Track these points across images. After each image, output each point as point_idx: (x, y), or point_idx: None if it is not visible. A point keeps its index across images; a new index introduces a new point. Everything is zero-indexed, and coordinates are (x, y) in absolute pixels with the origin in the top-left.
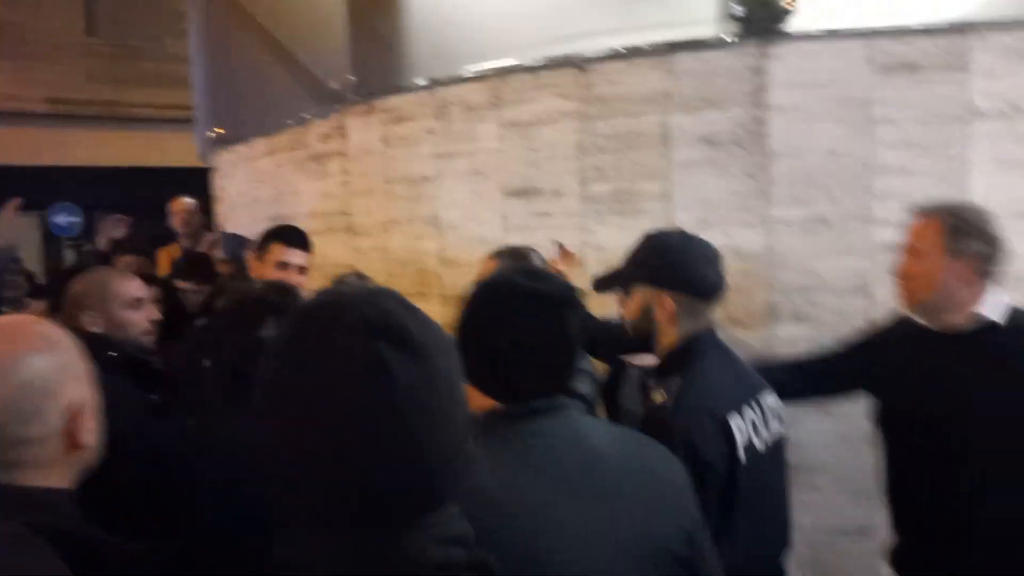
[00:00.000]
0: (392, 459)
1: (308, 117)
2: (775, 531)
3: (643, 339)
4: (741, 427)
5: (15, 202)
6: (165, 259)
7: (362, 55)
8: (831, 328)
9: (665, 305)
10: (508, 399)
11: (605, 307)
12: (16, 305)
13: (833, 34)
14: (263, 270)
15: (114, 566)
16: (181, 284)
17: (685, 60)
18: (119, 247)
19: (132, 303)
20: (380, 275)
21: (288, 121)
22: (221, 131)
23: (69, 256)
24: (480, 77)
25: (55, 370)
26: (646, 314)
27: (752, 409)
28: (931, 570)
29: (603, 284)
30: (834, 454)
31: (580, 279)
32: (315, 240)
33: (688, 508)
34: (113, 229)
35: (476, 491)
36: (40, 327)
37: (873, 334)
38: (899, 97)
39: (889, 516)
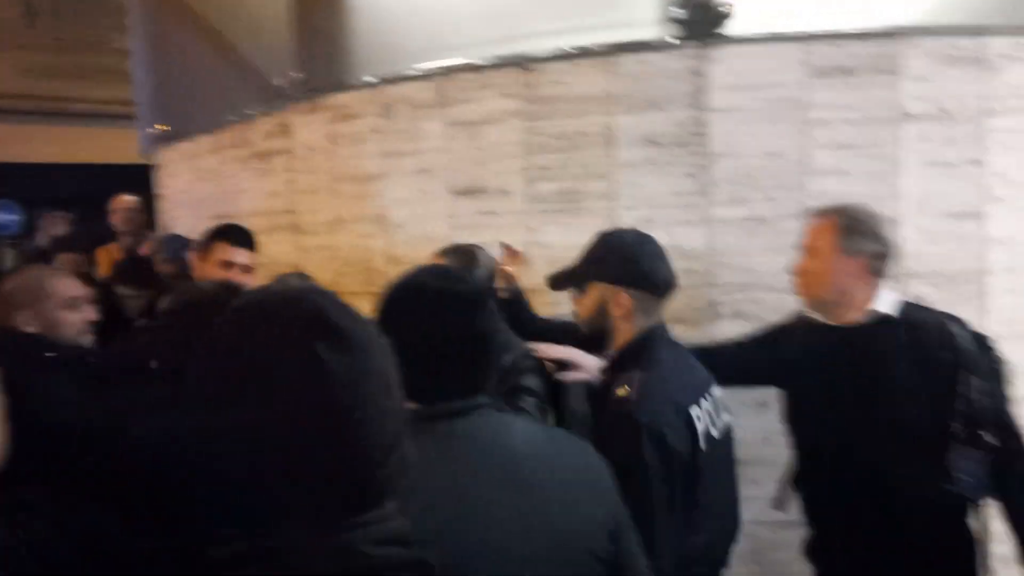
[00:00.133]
0: (328, 457)
1: (253, 114)
2: (731, 517)
3: (597, 336)
4: (700, 417)
5: None
6: (105, 258)
7: (307, 51)
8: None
9: (622, 302)
10: (423, 400)
11: (553, 307)
12: None
13: (770, 38)
14: (206, 270)
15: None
16: (121, 289)
17: (627, 62)
18: (59, 245)
19: (68, 303)
20: (327, 274)
21: (232, 118)
22: (164, 127)
23: (8, 255)
24: (426, 76)
25: None
26: (601, 311)
27: (706, 400)
28: (838, 560)
29: (558, 282)
30: (773, 448)
31: (526, 278)
32: (261, 239)
33: (611, 507)
34: (53, 226)
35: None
36: None
37: (773, 331)
38: (833, 100)
39: (801, 509)
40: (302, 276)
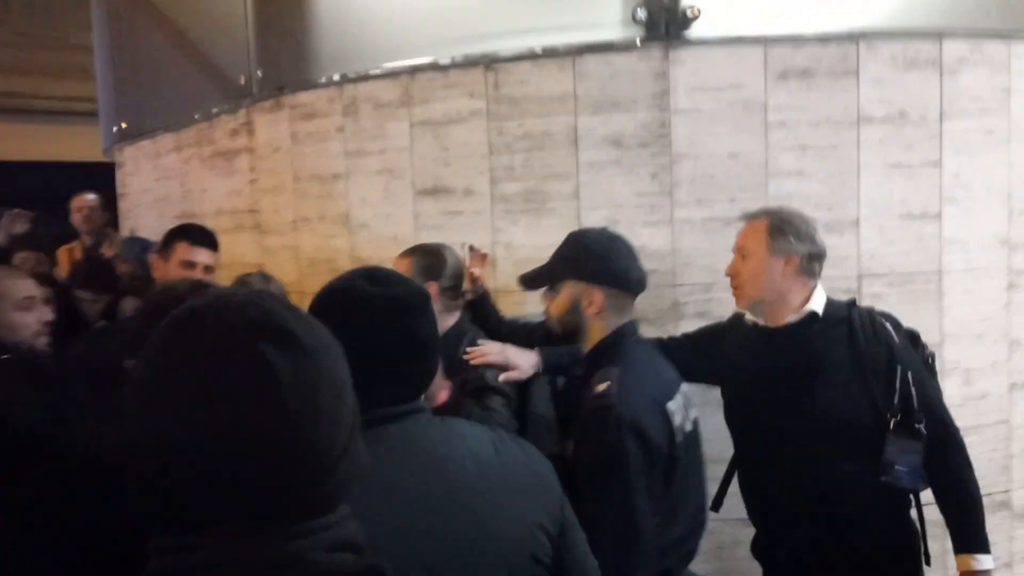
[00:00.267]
0: (277, 461)
1: (216, 112)
2: (700, 509)
3: (569, 333)
4: (675, 411)
5: None
6: (65, 257)
7: (270, 49)
8: None
9: (595, 299)
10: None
11: (520, 307)
12: None
13: (732, 41)
14: (168, 270)
15: None
16: (79, 293)
17: (592, 62)
18: (19, 243)
19: (22, 304)
20: (291, 274)
21: (195, 116)
22: (125, 125)
23: None
24: (390, 74)
25: None
26: (574, 309)
27: (678, 395)
28: (781, 558)
29: (531, 281)
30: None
31: (492, 279)
32: (223, 239)
33: (552, 509)
34: (13, 224)
35: None
36: None
37: (712, 331)
38: (794, 102)
39: (745, 507)
40: (265, 277)
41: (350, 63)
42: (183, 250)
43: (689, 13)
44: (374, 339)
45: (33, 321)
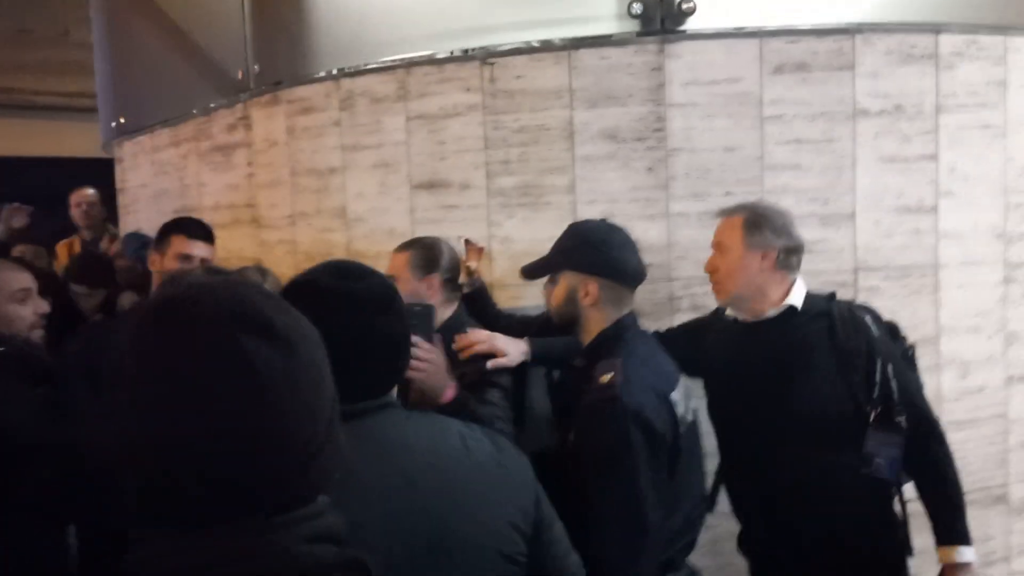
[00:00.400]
0: (256, 453)
1: (213, 107)
2: (701, 500)
3: (567, 324)
4: (677, 401)
5: None
6: (65, 252)
7: (266, 43)
8: None
9: (590, 290)
10: None
11: (516, 300)
12: None
13: (728, 34)
14: (164, 264)
15: None
16: (74, 287)
17: (587, 56)
18: (18, 237)
19: (16, 296)
20: (287, 268)
21: (193, 111)
22: (123, 120)
23: None
24: (386, 68)
25: None
26: (571, 300)
27: (680, 386)
28: (765, 552)
29: (531, 272)
30: None
31: (488, 272)
32: (221, 233)
33: (526, 506)
34: (11, 219)
35: None
36: None
37: (694, 326)
38: (790, 95)
39: (729, 502)
40: (262, 271)
41: (346, 57)
42: (179, 243)
43: (684, 7)
44: (333, 334)
45: (29, 313)
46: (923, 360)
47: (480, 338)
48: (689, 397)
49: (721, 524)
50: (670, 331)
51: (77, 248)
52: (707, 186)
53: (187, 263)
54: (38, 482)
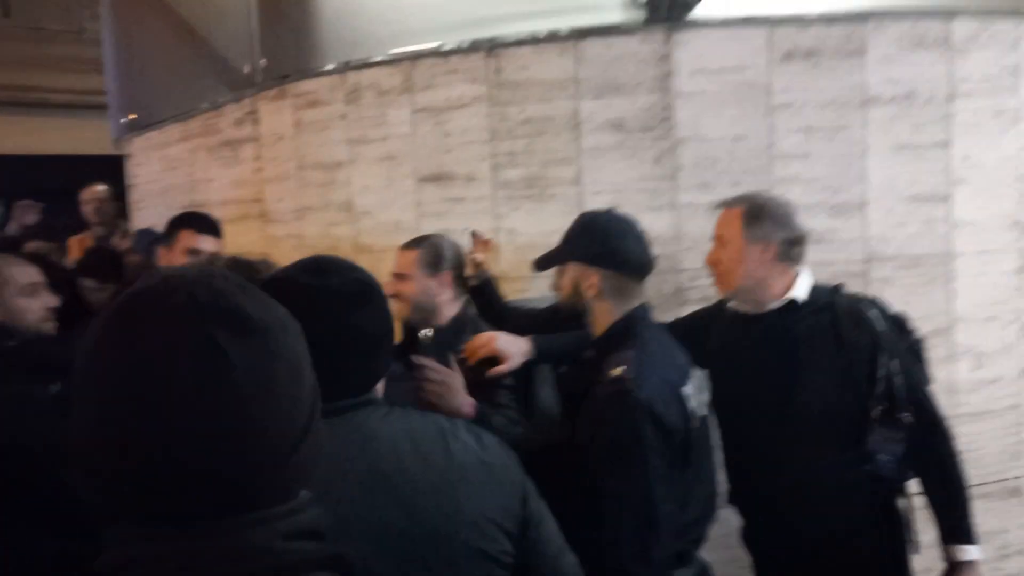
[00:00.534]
0: (233, 449)
1: (221, 102)
2: (712, 493)
3: (575, 315)
4: (689, 395)
5: None
6: (77, 247)
7: (273, 38)
8: None
9: (592, 281)
10: None
11: (523, 293)
12: None
13: (736, 22)
14: (172, 258)
15: None
16: (84, 281)
17: (593, 46)
18: (30, 233)
19: (26, 289)
20: None
21: (201, 106)
22: (134, 116)
23: None
24: (392, 61)
25: None
26: (576, 291)
27: (691, 379)
28: (768, 547)
29: (541, 263)
30: None
31: (494, 265)
32: (229, 228)
33: (508, 504)
34: (24, 215)
35: None
36: None
37: (698, 318)
38: (800, 83)
39: (730, 495)
40: (268, 265)
41: (352, 50)
42: (187, 238)
43: None
44: (311, 331)
45: (38, 307)
46: (937, 351)
47: (483, 341)
48: (702, 391)
49: (732, 518)
50: (675, 322)
51: (89, 244)
52: (715, 176)
53: (195, 258)
54: (54, 485)
